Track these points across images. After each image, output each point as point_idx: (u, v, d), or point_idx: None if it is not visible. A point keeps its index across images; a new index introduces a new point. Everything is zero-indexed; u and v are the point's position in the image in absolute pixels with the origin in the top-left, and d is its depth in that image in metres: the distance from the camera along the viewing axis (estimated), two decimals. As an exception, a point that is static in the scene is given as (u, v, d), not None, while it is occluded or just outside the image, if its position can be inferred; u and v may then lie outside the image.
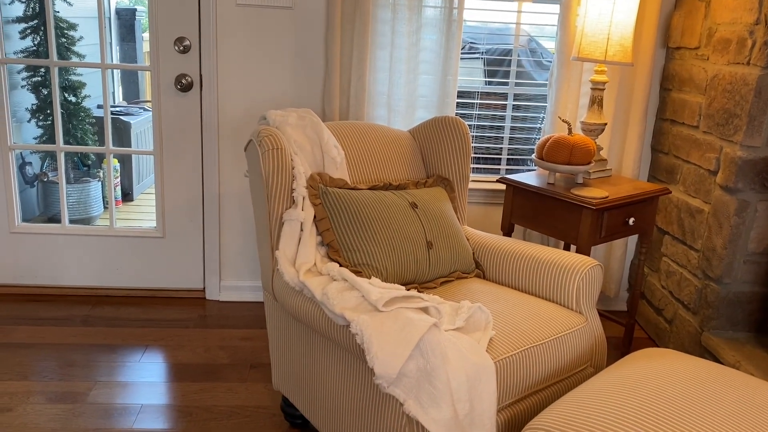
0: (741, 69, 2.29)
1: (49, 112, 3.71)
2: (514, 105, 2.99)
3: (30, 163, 3.76)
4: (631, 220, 2.40)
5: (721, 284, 2.41)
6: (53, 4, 2.78)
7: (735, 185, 2.31)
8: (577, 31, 2.54)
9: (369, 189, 2.09)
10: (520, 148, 3.06)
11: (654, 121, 2.95)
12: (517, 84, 2.97)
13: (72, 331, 2.67)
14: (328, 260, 1.93)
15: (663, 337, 2.79)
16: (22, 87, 3.67)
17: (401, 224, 1.98)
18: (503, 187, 2.94)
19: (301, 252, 1.90)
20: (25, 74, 3.66)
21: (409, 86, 2.74)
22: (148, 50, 2.79)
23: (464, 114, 3.02)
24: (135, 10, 5.19)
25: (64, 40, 3.71)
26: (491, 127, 3.03)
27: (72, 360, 2.45)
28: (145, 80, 5.44)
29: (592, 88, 2.55)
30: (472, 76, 3.07)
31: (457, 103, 2.98)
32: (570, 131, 2.43)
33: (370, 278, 1.83)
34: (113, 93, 5.17)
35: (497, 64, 3.04)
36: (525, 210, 2.48)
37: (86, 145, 3.92)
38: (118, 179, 4.29)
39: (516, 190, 2.51)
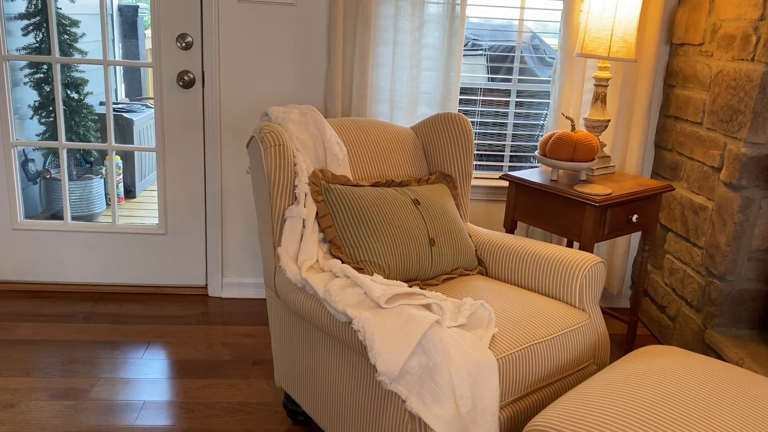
0: (745, 65, 2.28)
1: (51, 109, 3.71)
2: (517, 102, 2.98)
3: (33, 160, 3.77)
4: (635, 217, 2.40)
5: (724, 281, 2.40)
6: (55, 1, 2.78)
7: (739, 182, 2.30)
8: (580, 28, 2.53)
9: (371, 186, 2.08)
10: (523, 145, 3.05)
11: (657, 118, 2.94)
12: (520, 80, 2.96)
13: (74, 328, 2.67)
14: (330, 257, 1.93)
15: (666, 335, 2.78)
16: (24, 84, 3.67)
17: (403, 221, 1.97)
18: (506, 183, 2.94)
19: (304, 249, 1.90)
20: (27, 71, 3.66)
21: (411, 83, 2.74)
22: (151, 47, 2.78)
23: (467, 111, 3.01)
24: (137, 6, 5.19)
25: (66, 36, 3.71)
26: (494, 124, 3.02)
27: (74, 356, 2.46)
28: (148, 77, 5.44)
29: (595, 85, 2.54)
30: (475, 73, 3.06)
31: (460, 99, 2.97)
32: (573, 128, 2.43)
33: (372, 275, 1.83)
34: (116, 90, 5.18)
35: (500, 61, 3.03)
36: (528, 207, 2.48)
37: (89, 142, 3.92)
38: (121, 176, 4.30)
39: (519, 186, 2.50)
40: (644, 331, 2.95)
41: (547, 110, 2.92)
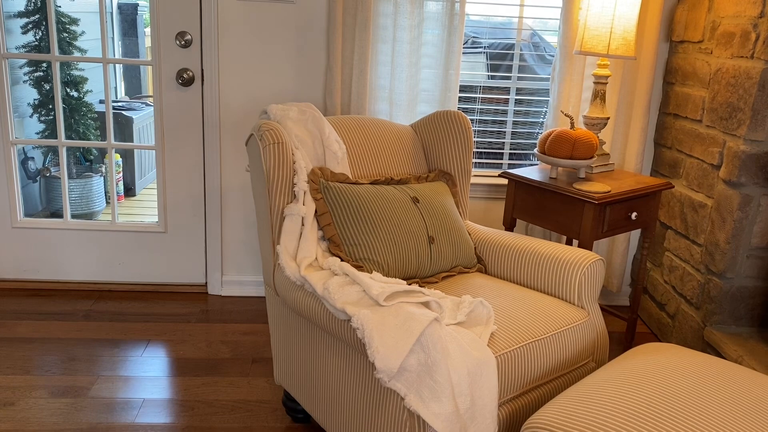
0: (745, 62, 2.28)
1: (51, 107, 3.71)
2: (516, 99, 2.98)
3: (32, 158, 3.77)
4: (634, 215, 2.40)
5: (723, 279, 2.40)
6: (54, -1, 2.78)
7: (738, 179, 2.30)
8: (579, 25, 2.53)
9: (370, 183, 2.08)
10: (523, 143, 3.05)
11: (657, 116, 2.93)
12: (519, 78, 2.96)
13: (74, 326, 2.67)
14: (329, 255, 1.93)
15: (665, 332, 2.78)
16: (24, 82, 3.67)
17: (403, 219, 1.97)
18: (505, 181, 2.94)
19: (303, 247, 1.90)
20: (27, 69, 3.66)
21: (411, 80, 2.74)
22: (150, 45, 2.78)
23: (466, 108, 3.01)
24: (137, 4, 5.18)
25: (65, 35, 3.71)
26: (493, 122, 3.02)
27: (74, 354, 2.46)
28: (147, 75, 5.44)
29: (594, 82, 2.54)
30: (474, 71, 3.06)
31: (459, 97, 2.97)
32: (572, 125, 2.43)
33: (371, 273, 1.83)
34: (115, 88, 5.17)
35: (500, 58, 3.03)
36: (527, 205, 2.48)
37: (88, 140, 3.92)
38: (121, 174, 4.30)
39: (518, 184, 2.50)
40: (644, 328, 2.95)
41: (547, 108, 2.92)
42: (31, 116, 3.72)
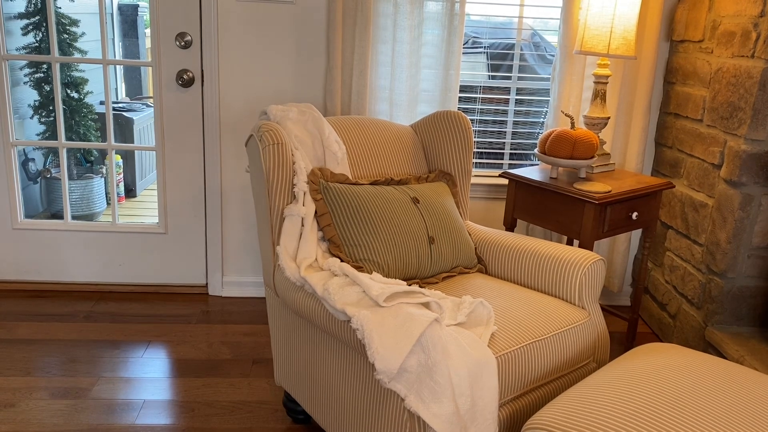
0: (745, 62, 2.27)
1: (51, 108, 3.71)
2: (516, 99, 2.98)
3: (33, 160, 3.77)
4: (635, 215, 2.39)
5: (725, 279, 2.39)
6: (55, 0, 2.78)
7: (739, 179, 2.30)
8: (579, 25, 2.52)
9: (370, 184, 2.08)
10: (523, 143, 3.05)
11: (657, 115, 2.93)
12: (519, 78, 2.96)
13: (75, 327, 2.67)
14: (329, 255, 1.93)
15: (667, 332, 2.78)
16: (24, 83, 3.67)
17: (403, 219, 1.97)
18: (506, 181, 2.93)
19: (302, 247, 1.90)
20: (27, 71, 3.66)
21: (411, 81, 2.73)
22: (150, 46, 2.78)
23: (467, 108, 3.01)
24: (137, 5, 5.19)
25: (66, 36, 3.71)
26: (494, 122, 3.02)
27: (75, 356, 2.46)
28: (148, 76, 5.44)
29: (595, 82, 2.54)
30: (474, 71, 3.06)
31: (460, 97, 2.97)
32: (573, 125, 2.42)
33: (371, 273, 1.83)
34: (116, 89, 5.18)
35: (500, 58, 3.03)
36: (528, 205, 2.47)
37: (89, 141, 3.92)
38: (121, 175, 4.30)
39: (518, 184, 2.50)
40: (645, 328, 2.94)
41: (547, 108, 2.91)
42: (31, 117, 3.72)
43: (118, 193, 4.24)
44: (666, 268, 2.82)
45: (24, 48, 3.55)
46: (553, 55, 3.11)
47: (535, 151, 2.47)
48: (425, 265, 1.99)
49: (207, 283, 3.07)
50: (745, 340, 2.34)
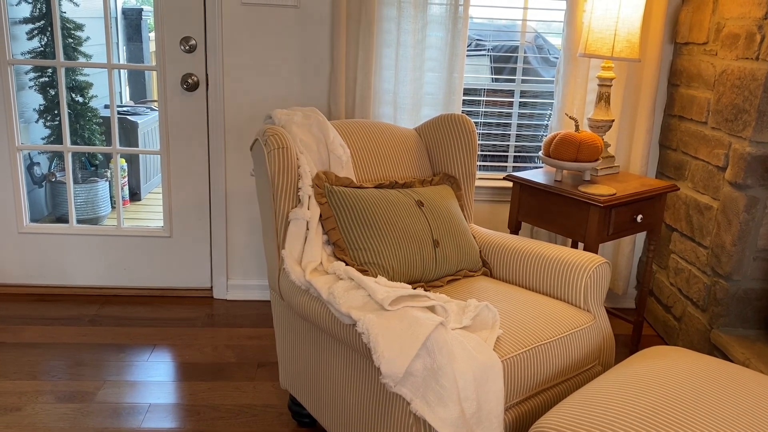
0: (750, 64, 2.27)
1: (56, 112, 3.73)
2: (520, 102, 2.98)
3: (38, 164, 3.78)
4: (639, 217, 2.39)
5: (730, 281, 2.39)
6: (60, 5, 2.79)
7: (744, 181, 2.29)
8: (583, 27, 2.52)
9: (375, 187, 2.08)
10: (527, 146, 3.05)
11: (662, 118, 2.93)
12: (523, 81, 2.96)
13: (80, 331, 2.68)
14: (334, 259, 1.93)
15: (672, 335, 2.77)
16: (29, 88, 3.68)
17: (407, 223, 1.97)
18: (510, 184, 2.93)
19: (307, 251, 1.90)
20: (32, 75, 3.68)
21: (415, 84, 2.74)
22: (155, 50, 2.79)
23: (471, 111, 3.01)
24: (141, 9, 5.20)
25: (71, 40, 3.73)
26: (498, 125, 3.02)
27: (80, 359, 2.46)
28: (152, 80, 5.45)
29: (599, 85, 2.54)
30: (478, 74, 3.06)
31: (464, 100, 2.97)
32: (577, 128, 2.42)
33: (376, 277, 1.83)
34: (120, 93, 5.19)
35: (504, 61, 3.03)
36: (532, 207, 2.47)
37: (94, 145, 3.93)
38: (126, 179, 4.31)
39: (523, 187, 2.49)
40: (650, 331, 2.94)
41: (551, 110, 2.91)
42: (36, 122, 3.73)
43: (123, 197, 4.25)
44: (671, 270, 2.82)
45: (29, 52, 3.56)
46: (556, 58, 3.11)
47: (540, 153, 2.47)
48: (430, 269, 1.99)
49: (212, 287, 3.07)
50: (751, 342, 2.33)
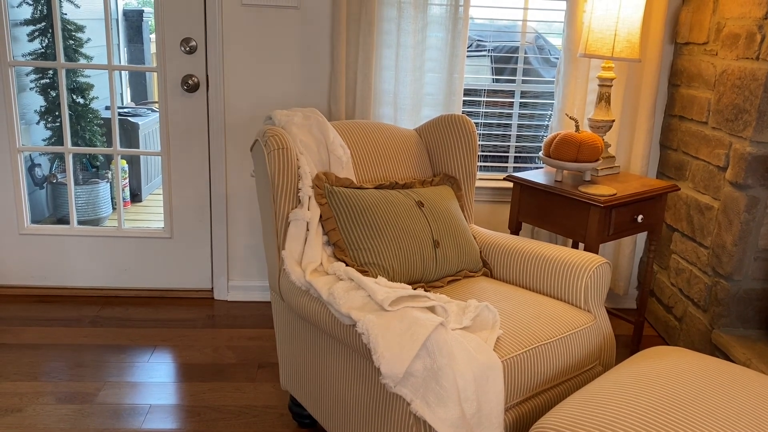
0: (750, 64, 2.27)
1: (57, 114, 3.73)
2: (521, 102, 2.98)
3: (39, 165, 3.79)
4: (640, 218, 2.39)
5: (731, 281, 2.39)
6: (61, 7, 2.79)
7: (744, 181, 2.29)
8: (583, 28, 2.52)
9: (375, 188, 2.08)
10: (528, 146, 3.05)
11: (662, 118, 2.93)
12: (524, 81, 2.96)
13: (81, 332, 2.68)
14: (334, 260, 1.93)
15: (673, 335, 2.77)
16: (30, 89, 3.69)
17: (407, 223, 1.97)
18: (510, 185, 2.93)
19: (308, 252, 1.90)
20: (33, 76, 3.68)
21: (415, 85, 2.74)
22: (156, 51, 2.79)
23: (471, 112, 3.01)
24: (142, 11, 5.21)
25: (71, 42, 3.73)
26: (498, 125, 3.02)
27: (81, 360, 2.47)
28: (153, 81, 5.45)
29: (599, 85, 2.54)
30: (479, 74, 3.06)
31: (464, 100, 2.97)
32: (577, 128, 2.42)
33: (376, 277, 1.83)
34: (121, 94, 5.19)
35: (504, 62, 3.03)
36: (532, 208, 2.47)
37: (95, 146, 3.94)
38: (127, 180, 4.31)
39: (523, 188, 2.49)
40: (651, 331, 2.93)
41: (552, 111, 2.91)
42: (37, 123, 3.74)
43: (123, 198, 4.26)
44: (672, 270, 2.82)
45: (30, 54, 3.56)
46: (557, 58, 3.11)
47: (540, 154, 2.47)
48: (430, 269, 1.99)
49: (212, 288, 3.07)
50: (752, 343, 2.33)
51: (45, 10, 3.56)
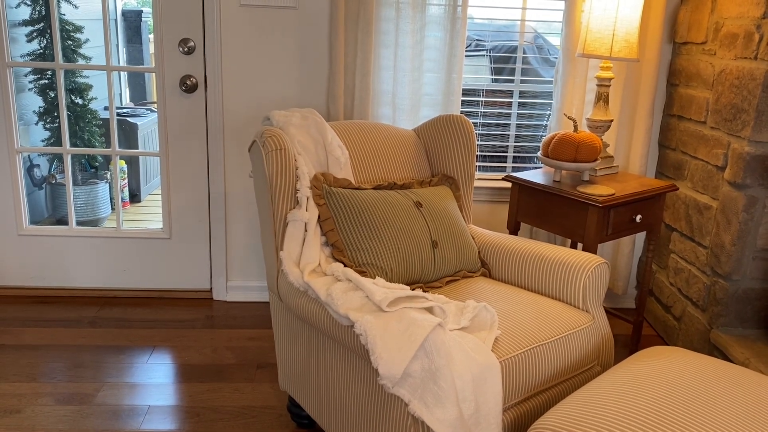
0: (748, 64, 2.27)
1: (56, 114, 3.73)
2: (519, 102, 2.98)
3: (38, 166, 3.79)
4: (639, 217, 2.39)
5: (729, 281, 2.39)
6: (59, 7, 2.79)
7: (743, 181, 2.29)
8: (582, 27, 2.52)
9: (373, 189, 2.08)
10: (526, 146, 3.05)
11: (661, 117, 2.93)
12: (522, 81, 2.96)
13: (80, 333, 2.68)
14: (332, 260, 1.93)
15: (672, 335, 2.77)
16: (29, 90, 3.69)
17: (406, 224, 1.97)
18: (509, 185, 2.93)
19: (306, 252, 1.90)
20: (31, 77, 3.68)
21: (413, 85, 2.74)
22: (154, 51, 2.79)
23: (470, 112, 3.01)
24: (141, 11, 5.21)
25: (70, 42, 3.73)
26: (497, 125, 3.02)
27: (80, 361, 2.47)
28: (152, 81, 5.45)
29: (597, 85, 2.54)
30: (477, 74, 3.06)
31: (463, 100, 2.97)
32: (576, 128, 2.42)
33: (374, 278, 1.83)
34: (120, 95, 5.19)
35: (503, 61, 3.03)
36: (531, 208, 2.47)
37: (93, 147, 3.94)
38: (126, 181, 4.31)
39: (522, 188, 2.49)
40: (650, 331, 2.93)
41: (550, 111, 2.91)
42: (36, 124, 3.73)
43: (122, 199, 4.26)
44: (670, 270, 2.82)
45: (28, 55, 3.56)
46: (556, 58, 3.11)
47: (538, 154, 2.47)
48: (428, 270, 1.99)
49: (211, 288, 3.07)
50: (751, 342, 2.33)
51: (43, 11, 3.56)
